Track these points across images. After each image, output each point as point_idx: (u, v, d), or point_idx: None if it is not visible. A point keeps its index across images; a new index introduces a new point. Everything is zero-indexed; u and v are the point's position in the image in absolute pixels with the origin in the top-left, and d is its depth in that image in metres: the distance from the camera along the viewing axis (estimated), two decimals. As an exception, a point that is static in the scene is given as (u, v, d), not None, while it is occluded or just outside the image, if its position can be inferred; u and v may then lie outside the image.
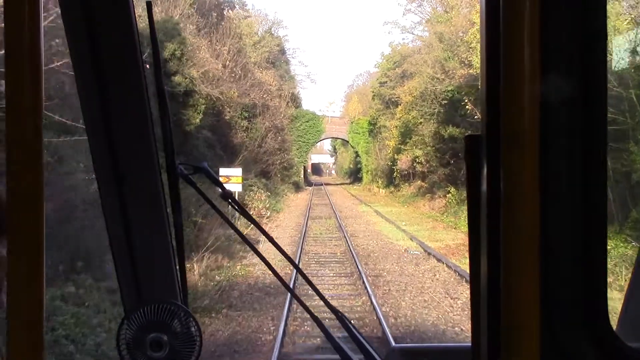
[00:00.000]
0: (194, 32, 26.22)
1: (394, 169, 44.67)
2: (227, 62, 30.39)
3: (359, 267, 14.74)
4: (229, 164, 24.88)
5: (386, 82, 57.84)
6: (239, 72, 33.89)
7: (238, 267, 15.07)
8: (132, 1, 1.39)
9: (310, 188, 61.28)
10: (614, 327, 1.01)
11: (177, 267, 1.55)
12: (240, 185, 20.91)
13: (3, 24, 0.88)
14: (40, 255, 0.83)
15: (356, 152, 65.45)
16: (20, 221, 0.82)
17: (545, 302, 0.91)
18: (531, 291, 0.86)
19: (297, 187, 54.02)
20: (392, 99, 50.55)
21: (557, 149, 0.94)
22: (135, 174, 1.51)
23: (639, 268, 1.45)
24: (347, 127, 64.48)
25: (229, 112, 28.35)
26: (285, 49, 63.99)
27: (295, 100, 64.74)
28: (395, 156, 43.14)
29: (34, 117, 0.82)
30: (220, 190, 1.49)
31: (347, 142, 65.87)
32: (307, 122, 63.48)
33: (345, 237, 20.43)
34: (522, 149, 0.85)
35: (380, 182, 53.03)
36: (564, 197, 0.95)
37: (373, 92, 61.69)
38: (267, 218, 24.74)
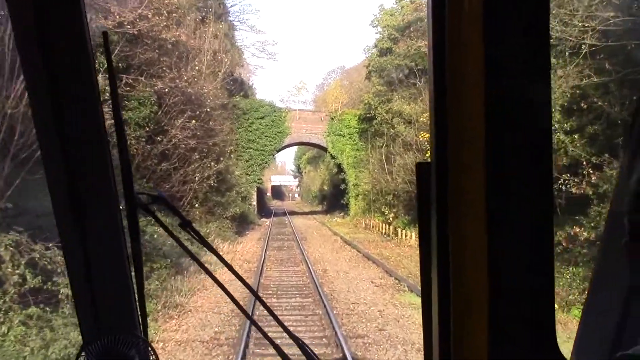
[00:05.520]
0: None
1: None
2: None
3: None
4: None
5: (391, 48, 35.14)
6: None
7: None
8: (88, 30, 1.38)
9: (268, 222, 37.37)
10: (569, 354, 1.07)
11: (137, 297, 1.51)
12: None
13: None
14: None
15: (338, 164, 41.83)
16: None
17: (494, 324, 0.96)
18: (480, 316, 0.93)
19: (242, 225, 30.15)
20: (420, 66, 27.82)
21: (504, 175, 0.96)
22: (93, 204, 1.49)
23: (591, 294, 1.40)
24: (324, 126, 41.12)
25: None
26: (227, 5, 40.34)
27: (241, 85, 41.05)
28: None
29: None
30: (178, 219, 1.48)
31: (325, 149, 42.26)
32: (261, 118, 39.92)
33: None
34: (470, 175, 0.92)
35: (388, 212, 29.77)
36: (511, 220, 0.97)
37: (369, 67, 38.62)
38: None
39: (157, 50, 17.39)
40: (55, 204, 1.48)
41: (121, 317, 1.53)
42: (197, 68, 19.27)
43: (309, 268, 16.28)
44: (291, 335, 1.47)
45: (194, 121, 19.19)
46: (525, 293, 0.98)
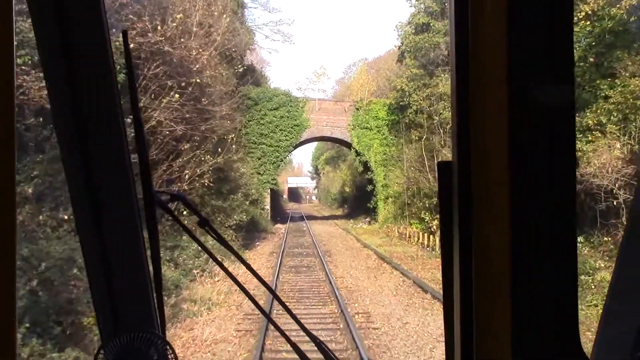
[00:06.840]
0: None
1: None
2: None
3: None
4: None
5: (428, 23, 29.45)
6: None
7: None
8: (108, 30, 1.38)
9: (283, 229, 31.80)
10: (589, 353, 1.04)
11: (155, 295, 1.49)
12: None
13: None
14: (11, 255, 0.85)
15: (364, 162, 36.07)
16: None
17: (517, 327, 0.96)
18: (503, 317, 0.94)
19: (252, 234, 24.65)
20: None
21: (527, 173, 0.96)
22: (112, 202, 1.48)
23: (612, 294, 1.41)
24: (348, 117, 35.46)
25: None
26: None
27: (251, 70, 35.48)
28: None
29: (5, 117, 0.85)
30: (197, 217, 1.45)
31: (350, 145, 36.55)
32: (275, 109, 34.43)
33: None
34: (493, 174, 0.93)
35: (430, 219, 24.02)
36: (535, 219, 0.97)
37: (401, 48, 32.85)
38: None
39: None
40: (75, 203, 1.48)
41: (139, 316, 1.53)
42: (178, 17, 13.72)
43: (342, 313, 10.60)
44: (309, 334, 1.45)
45: (177, 96, 13.67)
46: (548, 293, 0.98)
